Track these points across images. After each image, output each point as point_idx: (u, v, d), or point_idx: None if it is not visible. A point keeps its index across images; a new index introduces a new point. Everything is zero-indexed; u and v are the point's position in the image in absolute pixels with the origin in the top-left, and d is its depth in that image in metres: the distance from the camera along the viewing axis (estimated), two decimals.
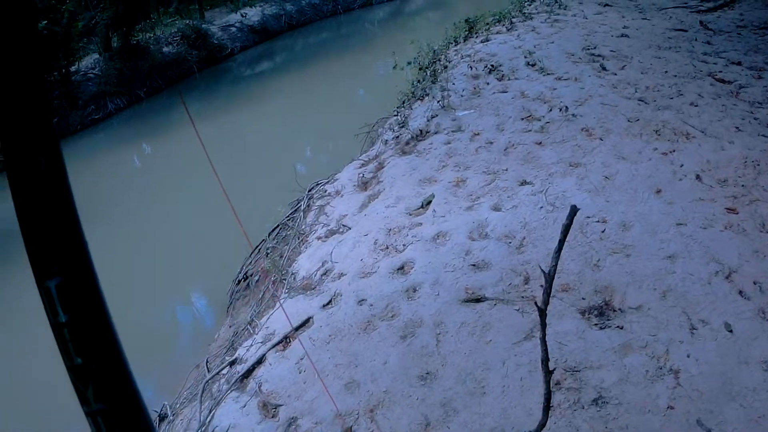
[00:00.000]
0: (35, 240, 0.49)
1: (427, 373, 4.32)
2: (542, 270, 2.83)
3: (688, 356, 4.01)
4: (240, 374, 4.97)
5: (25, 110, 0.48)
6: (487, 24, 13.54)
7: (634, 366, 4.00)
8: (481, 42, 12.17)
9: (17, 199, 0.47)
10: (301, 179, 8.50)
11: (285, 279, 6.15)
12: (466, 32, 13.17)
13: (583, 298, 4.70)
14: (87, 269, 0.53)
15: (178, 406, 5.21)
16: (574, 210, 2.61)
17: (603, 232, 5.42)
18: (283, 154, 12.85)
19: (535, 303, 2.85)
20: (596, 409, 3.76)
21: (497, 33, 12.70)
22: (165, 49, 21.60)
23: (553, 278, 2.75)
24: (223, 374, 5.25)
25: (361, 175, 7.87)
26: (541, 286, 4.70)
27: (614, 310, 4.53)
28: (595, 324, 4.44)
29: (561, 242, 2.69)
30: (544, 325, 2.86)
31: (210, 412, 4.68)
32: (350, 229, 6.52)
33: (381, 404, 4.18)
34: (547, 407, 3.05)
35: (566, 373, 4.03)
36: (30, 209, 0.47)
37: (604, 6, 14.24)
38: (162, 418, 5.13)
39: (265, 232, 7.53)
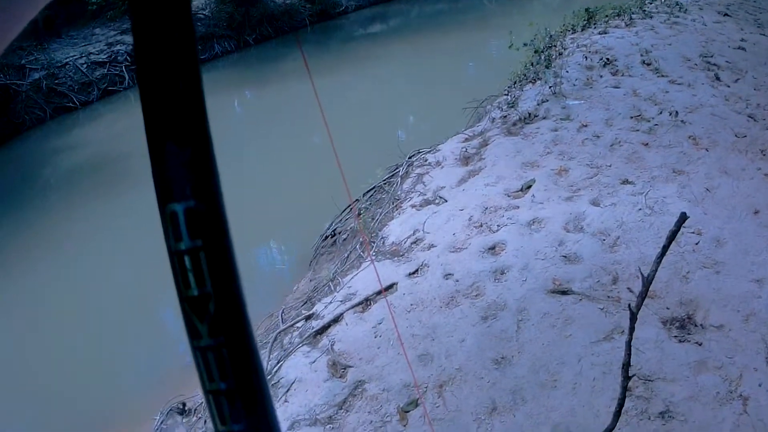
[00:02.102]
0: (164, 159, 0.46)
1: (502, 358, 4.34)
2: (641, 273, 2.81)
3: (760, 385, 3.89)
4: (314, 330, 5.05)
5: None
6: (606, 16, 13.29)
7: (705, 385, 3.92)
8: (599, 34, 11.94)
9: (148, 107, 0.45)
10: (400, 145, 8.50)
11: (374, 242, 6.22)
12: (585, 22, 12.97)
13: (667, 308, 4.61)
14: (217, 193, 0.50)
15: None
16: (683, 217, 2.60)
17: (697, 244, 5.30)
18: (385, 118, 12.89)
19: (629, 306, 2.84)
20: (662, 422, 3.71)
21: (615, 27, 12.45)
22: None
23: (651, 283, 2.74)
24: (297, 327, 5.33)
25: (464, 149, 7.86)
26: (629, 288, 4.67)
27: (696, 325, 4.44)
28: (675, 336, 4.36)
29: (665, 248, 2.68)
30: (632, 329, 2.86)
31: (278, 362, 4.76)
32: (446, 201, 6.55)
33: (451, 381, 4.23)
34: (618, 412, 3.04)
35: (639, 381, 3.98)
36: (165, 124, 0.45)
37: (724, 15, 13.77)
38: None
39: (360, 192, 7.57)
